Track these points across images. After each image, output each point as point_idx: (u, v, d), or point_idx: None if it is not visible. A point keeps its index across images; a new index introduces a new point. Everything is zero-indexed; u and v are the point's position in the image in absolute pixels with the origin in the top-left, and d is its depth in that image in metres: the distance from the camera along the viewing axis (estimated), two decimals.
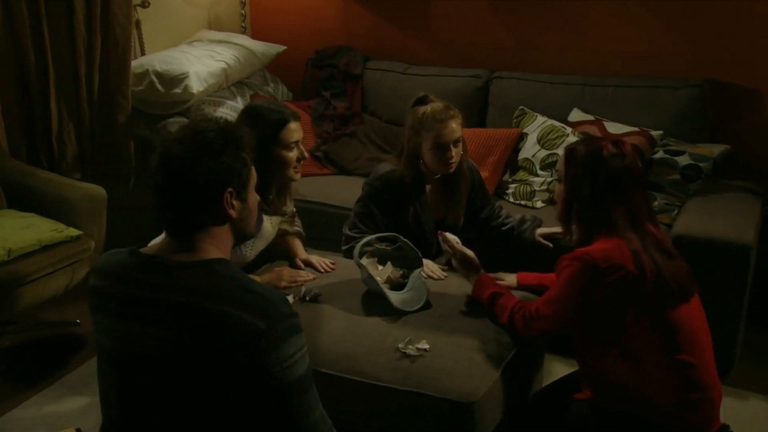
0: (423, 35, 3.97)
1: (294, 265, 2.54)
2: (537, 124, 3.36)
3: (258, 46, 3.86)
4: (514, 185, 3.32)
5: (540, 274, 2.39)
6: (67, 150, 3.37)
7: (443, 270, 2.53)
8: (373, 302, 2.25)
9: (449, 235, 2.33)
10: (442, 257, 2.75)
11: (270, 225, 2.46)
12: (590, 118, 3.33)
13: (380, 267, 2.35)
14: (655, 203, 2.98)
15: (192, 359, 1.36)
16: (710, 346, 1.90)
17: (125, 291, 1.44)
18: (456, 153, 2.53)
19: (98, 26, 3.33)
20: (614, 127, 3.22)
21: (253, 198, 1.58)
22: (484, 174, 2.91)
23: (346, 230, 2.67)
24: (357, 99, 3.89)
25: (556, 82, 3.52)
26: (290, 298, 2.22)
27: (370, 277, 2.23)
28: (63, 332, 3.13)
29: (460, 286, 2.40)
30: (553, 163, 3.24)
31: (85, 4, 3.27)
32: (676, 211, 2.96)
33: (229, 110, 3.58)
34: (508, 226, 2.84)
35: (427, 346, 2.01)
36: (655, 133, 3.16)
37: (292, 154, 2.40)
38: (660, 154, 3.08)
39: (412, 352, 1.99)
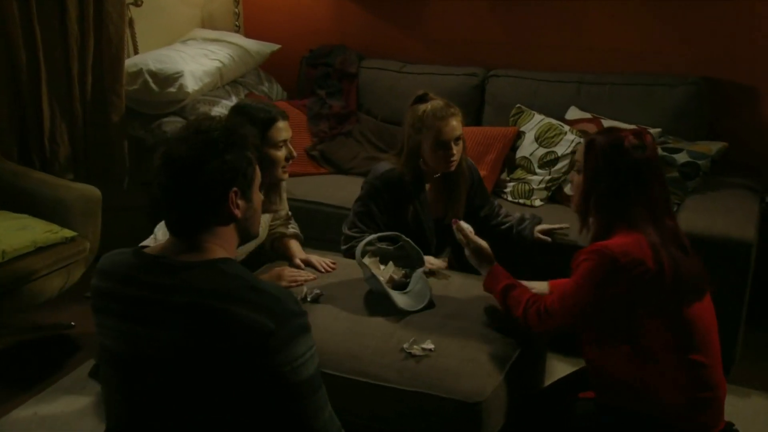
0: (418, 33, 3.95)
1: (294, 266, 2.51)
2: (534, 123, 3.35)
3: (252, 44, 3.83)
4: (512, 184, 3.31)
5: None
6: (60, 150, 3.32)
7: (444, 262, 2.52)
8: (376, 302, 2.23)
9: (464, 224, 2.28)
10: (443, 254, 2.74)
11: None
12: (587, 116, 3.33)
13: (382, 267, 2.33)
14: None
15: (199, 360, 1.34)
16: (719, 344, 1.88)
17: (130, 292, 1.42)
18: (457, 151, 2.52)
19: (91, 25, 3.29)
20: (612, 125, 3.21)
21: (258, 197, 1.56)
22: (481, 173, 2.90)
23: (345, 230, 2.65)
24: (352, 98, 3.87)
25: (552, 80, 3.51)
26: None
27: (373, 276, 2.21)
28: (57, 335, 3.09)
29: (462, 285, 2.39)
30: (551, 162, 3.23)
31: (77, 2, 3.22)
32: (675, 209, 2.95)
33: (225, 109, 3.54)
34: (507, 224, 2.83)
35: (432, 346, 2.00)
36: (652, 131, 3.16)
37: (281, 153, 2.38)
38: (658, 152, 3.08)
39: (417, 353, 1.98)
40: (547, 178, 3.23)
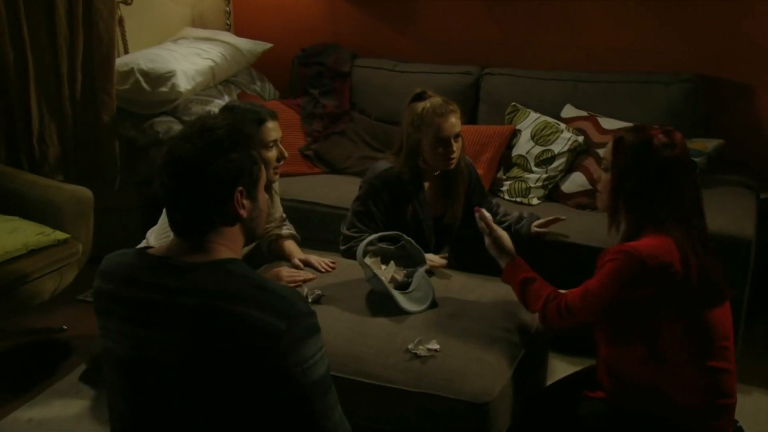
0: (411, 32, 3.93)
1: (293, 266, 2.47)
2: (530, 121, 3.34)
3: (244, 43, 3.79)
4: (508, 182, 3.29)
5: None
6: (49, 151, 3.26)
7: (443, 258, 2.50)
8: (378, 302, 2.20)
9: (486, 212, 2.22)
10: (441, 253, 2.72)
11: None
12: (584, 114, 3.32)
13: (383, 267, 2.30)
14: None
15: (207, 363, 1.31)
16: (734, 350, 1.85)
17: (135, 294, 1.38)
18: (457, 148, 2.50)
19: (80, 23, 3.23)
20: (609, 123, 3.21)
21: (263, 197, 1.52)
22: (478, 171, 2.88)
23: (344, 230, 2.62)
24: (346, 97, 3.84)
25: (547, 78, 3.50)
26: None
27: (375, 276, 2.18)
28: (49, 339, 3.03)
29: (464, 285, 2.36)
30: (548, 160, 3.22)
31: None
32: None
33: (217, 109, 3.49)
34: (505, 223, 2.81)
35: (437, 347, 1.97)
36: None
37: (272, 154, 2.35)
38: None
39: (423, 353, 1.95)
40: (544, 176, 3.21)
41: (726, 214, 2.71)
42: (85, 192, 2.89)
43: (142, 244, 2.42)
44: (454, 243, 2.81)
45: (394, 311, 2.15)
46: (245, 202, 1.44)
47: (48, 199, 2.83)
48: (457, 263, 2.67)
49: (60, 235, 2.72)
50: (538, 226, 2.74)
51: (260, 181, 1.50)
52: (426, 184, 2.63)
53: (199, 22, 4.12)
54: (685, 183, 1.80)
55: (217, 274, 1.36)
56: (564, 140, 3.20)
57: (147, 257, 1.42)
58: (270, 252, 2.63)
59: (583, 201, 3.13)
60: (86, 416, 2.51)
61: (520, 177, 3.27)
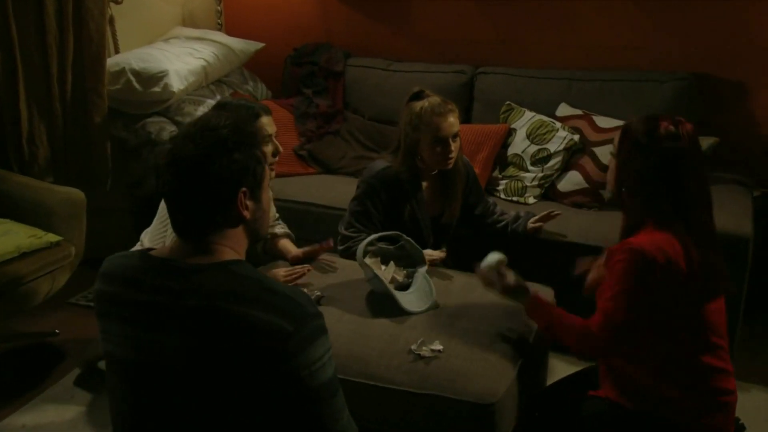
0: (404, 31, 3.91)
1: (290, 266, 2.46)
2: (525, 120, 3.33)
3: (236, 43, 3.76)
4: (504, 181, 3.28)
5: None
6: (39, 152, 3.21)
7: (442, 253, 2.50)
8: (378, 303, 2.18)
9: (482, 269, 2.03)
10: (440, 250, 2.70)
11: None
12: (579, 112, 3.31)
13: (383, 267, 2.28)
14: None
15: (212, 366, 1.28)
16: (728, 346, 1.85)
17: (138, 297, 1.35)
18: (455, 147, 2.48)
19: (71, 22, 3.19)
20: (604, 122, 3.21)
21: (267, 197, 1.49)
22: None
23: (342, 230, 2.60)
24: (339, 96, 3.82)
25: (541, 77, 3.50)
26: None
27: (376, 277, 2.16)
28: (41, 343, 2.98)
29: (464, 285, 2.35)
30: (544, 159, 3.21)
31: None
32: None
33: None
34: (502, 223, 2.81)
35: (440, 347, 1.95)
36: None
37: (267, 149, 2.32)
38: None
39: (426, 354, 1.93)
40: (540, 175, 3.20)
41: (723, 212, 2.70)
42: (78, 194, 2.85)
43: (137, 247, 2.39)
44: (452, 242, 2.79)
45: (395, 312, 2.13)
46: (249, 202, 1.41)
47: (40, 201, 2.79)
48: (455, 262, 2.65)
49: (52, 237, 2.68)
50: (533, 222, 2.74)
51: (264, 181, 1.47)
52: (424, 184, 2.61)
53: (189, 21, 4.09)
54: (690, 176, 1.74)
55: (223, 276, 1.33)
56: (560, 139, 3.19)
57: (150, 259, 1.39)
58: (265, 252, 2.60)
59: (580, 200, 3.12)
60: (81, 421, 2.47)
61: (516, 176, 3.26)
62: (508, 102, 3.45)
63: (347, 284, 2.31)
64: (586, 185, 3.10)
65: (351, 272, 2.37)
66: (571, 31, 3.56)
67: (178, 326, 1.30)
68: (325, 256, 2.52)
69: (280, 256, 2.55)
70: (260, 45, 3.85)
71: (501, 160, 3.34)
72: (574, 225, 2.87)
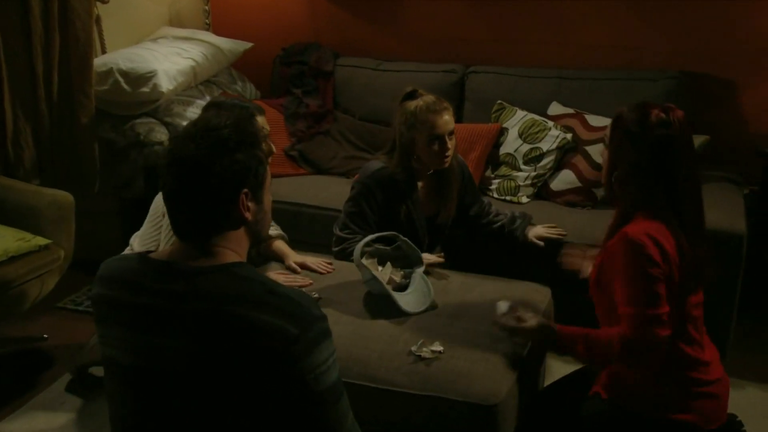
0: (394, 30, 3.90)
1: (288, 268, 2.42)
2: (517, 119, 3.33)
3: (225, 42, 3.72)
4: (497, 181, 3.27)
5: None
6: (24, 154, 3.16)
7: (440, 257, 2.48)
8: (376, 304, 2.16)
9: (502, 321, 1.93)
10: (434, 253, 2.68)
11: None
12: (570, 111, 3.31)
13: (380, 268, 2.26)
14: None
15: (216, 370, 1.25)
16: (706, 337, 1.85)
17: (138, 300, 1.32)
18: (451, 145, 2.47)
19: (56, 22, 3.14)
20: (596, 120, 3.21)
21: (268, 199, 1.47)
22: None
23: (337, 231, 2.57)
24: (329, 96, 3.79)
25: (532, 76, 3.49)
26: None
27: (374, 278, 2.14)
28: (29, 348, 2.93)
29: (462, 284, 2.34)
30: (536, 158, 3.21)
31: None
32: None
33: (199, 110, 3.42)
34: (498, 223, 2.79)
35: (441, 348, 1.94)
36: None
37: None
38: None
39: (427, 355, 1.91)
40: (533, 174, 3.20)
41: (717, 209, 2.72)
42: (66, 196, 2.80)
43: (126, 251, 2.35)
44: (446, 243, 2.78)
45: (394, 313, 2.11)
46: (250, 204, 1.39)
47: (27, 203, 2.74)
48: (450, 263, 2.64)
49: (41, 240, 2.64)
50: (537, 238, 2.73)
51: (265, 182, 1.45)
52: (419, 184, 2.60)
53: (176, 21, 4.04)
54: (681, 163, 1.73)
55: (226, 278, 1.30)
56: (552, 138, 3.19)
57: (150, 262, 1.36)
58: (259, 254, 2.57)
59: (573, 198, 3.12)
60: (73, 428, 2.42)
61: (509, 175, 3.25)
62: (499, 101, 3.44)
63: (344, 286, 2.29)
64: (579, 184, 3.10)
65: (347, 273, 2.35)
66: (562, 30, 3.57)
67: (180, 330, 1.28)
68: (318, 257, 2.50)
69: (274, 258, 2.52)
70: (249, 45, 3.82)
71: (493, 159, 3.33)
72: (569, 224, 2.87)
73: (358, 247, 2.21)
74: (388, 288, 2.14)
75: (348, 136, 3.66)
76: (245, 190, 1.36)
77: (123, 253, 2.25)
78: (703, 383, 1.79)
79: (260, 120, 2.31)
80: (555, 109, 3.36)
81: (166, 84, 3.25)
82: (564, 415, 1.99)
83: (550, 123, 3.25)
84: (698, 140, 3.12)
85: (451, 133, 2.46)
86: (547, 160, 3.18)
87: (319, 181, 3.41)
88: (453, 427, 1.82)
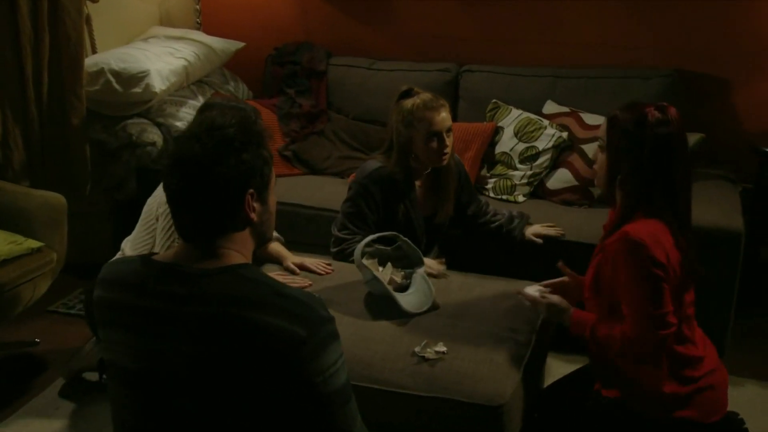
0: (387, 29, 3.87)
1: (287, 269, 2.40)
2: (512, 118, 3.32)
3: (217, 42, 3.68)
4: (493, 180, 3.26)
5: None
6: (14, 156, 3.11)
7: (441, 264, 2.45)
8: (377, 305, 2.14)
9: (528, 292, 2.03)
10: (431, 253, 2.67)
11: None
12: (566, 110, 3.31)
13: (381, 268, 2.24)
14: None
15: (223, 374, 1.23)
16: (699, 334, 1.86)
17: (142, 303, 1.29)
18: (450, 142, 2.46)
19: (46, 21, 3.09)
20: (591, 118, 3.20)
21: (273, 200, 1.45)
22: None
23: (335, 231, 2.55)
24: (322, 96, 3.77)
25: (526, 75, 3.49)
26: None
27: (375, 279, 2.12)
28: (21, 353, 2.88)
29: (462, 284, 2.32)
30: (532, 157, 3.20)
31: None
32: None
33: (192, 110, 3.39)
34: (496, 223, 2.78)
35: (444, 349, 1.92)
36: None
37: None
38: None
39: (431, 356, 1.90)
40: (529, 173, 3.19)
41: (714, 207, 2.73)
42: (59, 198, 2.76)
43: (118, 255, 2.31)
44: (444, 243, 2.76)
45: (395, 314, 2.09)
46: (255, 205, 1.36)
47: (19, 206, 2.70)
48: (448, 263, 2.62)
49: (33, 243, 2.59)
50: (535, 235, 2.73)
51: (270, 183, 1.42)
52: (416, 183, 2.58)
53: (166, 20, 4.00)
54: (679, 160, 1.76)
55: (231, 280, 1.28)
56: (548, 136, 3.18)
57: (153, 264, 1.33)
58: (254, 257, 2.54)
59: (569, 197, 3.11)
60: None
61: (505, 174, 3.24)
62: (494, 100, 3.43)
63: (343, 287, 2.27)
64: (576, 183, 3.10)
65: (346, 274, 2.33)
66: (556, 29, 3.56)
67: (186, 333, 1.25)
68: (318, 259, 2.47)
69: (270, 260, 2.49)
70: (241, 44, 3.78)
71: (489, 158, 3.32)
72: (566, 223, 2.86)
73: (359, 247, 2.19)
74: (390, 288, 2.12)
75: (342, 135, 3.64)
76: (251, 190, 1.34)
77: (114, 257, 2.22)
78: (697, 378, 1.79)
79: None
80: (550, 107, 3.36)
81: (158, 84, 3.21)
82: (567, 415, 1.98)
83: (546, 122, 3.24)
84: (693, 138, 3.12)
85: (449, 130, 2.46)
86: (543, 159, 3.18)
87: (313, 181, 3.39)
88: (458, 429, 1.81)
